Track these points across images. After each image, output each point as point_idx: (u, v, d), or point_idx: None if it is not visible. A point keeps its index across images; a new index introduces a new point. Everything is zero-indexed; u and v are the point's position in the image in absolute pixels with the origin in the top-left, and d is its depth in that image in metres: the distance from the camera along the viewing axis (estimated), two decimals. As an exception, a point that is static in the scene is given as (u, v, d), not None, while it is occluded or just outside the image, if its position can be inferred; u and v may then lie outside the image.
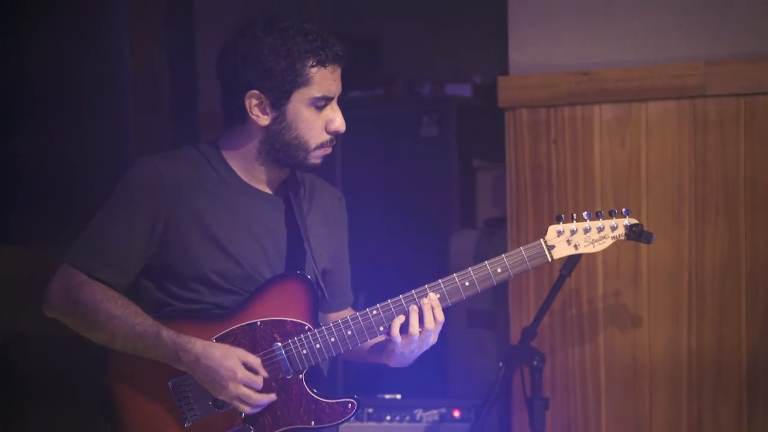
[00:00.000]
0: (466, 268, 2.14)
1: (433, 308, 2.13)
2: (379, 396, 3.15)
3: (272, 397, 2.12)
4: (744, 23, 2.79)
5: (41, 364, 3.57)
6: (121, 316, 2.10)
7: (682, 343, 2.83)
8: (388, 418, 3.07)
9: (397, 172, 4.25)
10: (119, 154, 3.58)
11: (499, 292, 3.07)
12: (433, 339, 2.16)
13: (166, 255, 2.15)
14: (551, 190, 2.97)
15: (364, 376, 3.66)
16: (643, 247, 2.82)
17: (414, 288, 2.14)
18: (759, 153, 2.75)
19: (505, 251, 2.17)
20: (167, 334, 2.09)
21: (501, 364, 2.54)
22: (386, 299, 2.15)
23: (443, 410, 3.06)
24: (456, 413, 3.05)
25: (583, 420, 2.90)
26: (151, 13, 3.70)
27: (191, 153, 2.23)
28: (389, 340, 2.17)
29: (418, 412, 3.07)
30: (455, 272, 2.15)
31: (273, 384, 2.12)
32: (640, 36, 2.91)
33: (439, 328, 2.15)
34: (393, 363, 2.21)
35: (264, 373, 2.11)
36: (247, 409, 2.10)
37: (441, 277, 2.16)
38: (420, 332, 2.12)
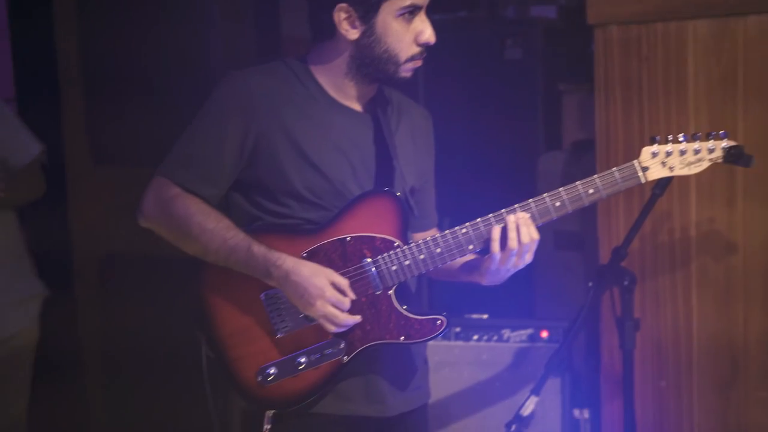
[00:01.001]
0: (556, 189, 2.13)
1: (527, 225, 2.13)
2: (467, 315, 3.15)
3: (357, 318, 2.14)
4: None
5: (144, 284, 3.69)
6: (214, 230, 2.14)
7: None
8: (476, 337, 3.08)
9: (481, 96, 4.19)
10: (205, 62, 3.63)
11: (587, 213, 3.03)
12: (528, 257, 2.16)
13: (256, 169, 2.18)
14: (642, 110, 2.89)
15: (449, 296, 3.67)
16: (739, 168, 2.74)
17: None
18: None
19: (593, 173, 2.15)
20: (258, 249, 2.12)
21: (590, 284, 2.51)
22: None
23: (531, 330, 3.05)
24: (544, 334, 3.04)
25: (673, 341, 2.87)
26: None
27: (280, 68, 2.23)
28: (482, 258, 2.18)
29: (506, 332, 3.07)
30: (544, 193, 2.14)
31: (363, 299, 2.15)
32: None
33: (535, 246, 2.15)
34: (486, 281, 2.22)
35: (351, 295, 2.13)
36: (333, 329, 2.14)
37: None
38: (517, 248, 2.12)
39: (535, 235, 2.14)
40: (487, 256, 2.16)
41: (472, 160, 4.11)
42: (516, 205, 2.16)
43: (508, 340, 3.07)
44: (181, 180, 2.17)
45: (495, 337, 3.08)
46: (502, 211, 2.15)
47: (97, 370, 3.89)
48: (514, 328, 3.07)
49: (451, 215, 3.07)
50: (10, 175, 3.28)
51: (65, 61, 3.85)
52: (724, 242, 2.82)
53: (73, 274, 3.88)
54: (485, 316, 3.12)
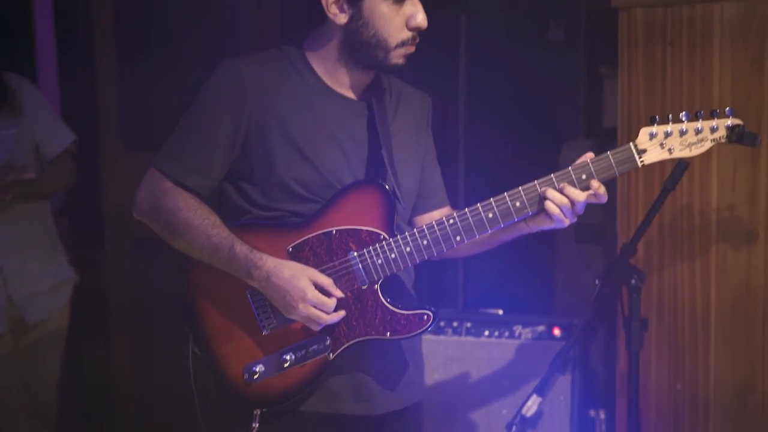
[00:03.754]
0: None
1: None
2: (481, 311, 3.08)
3: (342, 314, 2.10)
4: None
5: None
6: (200, 227, 2.11)
7: (802, 265, 2.61)
8: (486, 333, 3.00)
9: (523, 78, 4.08)
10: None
11: (609, 205, 2.90)
12: (576, 211, 2.09)
13: (248, 159, 2.14)
14: (665, 97, 2.76)
15: (481, 291, 3.62)
16: (762, 160, 2.61)
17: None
18: None
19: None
20: (241, 248, 2.09)
21: (597, 281, 2.41)
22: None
23: (543, 328, 2.96)
24: (556, 331, 2.95)
25: (691, 342, 2.74)
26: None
27: (275, 55, 2.19)
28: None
29: (518, 329, 2.98)
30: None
31: (348, 294, 2.10)
32: None
33: (575, 204, 2.08)
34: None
35: (338, 293, 2.09)
36: (316, 328, 2.09)
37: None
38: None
39: (567, 198, 2.07)
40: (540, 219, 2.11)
41: (512, 143, 4.02)
42: (505, 194, 2.09)
43: (519, 337, 2.98)
44: (172, 172, 2.14)
45: (507, 333, 3.00)
46: (491, 199, 2.09)
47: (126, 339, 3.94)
48: (526, 325, 2.98)
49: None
50: (42, 164, 3.34)
51: (101, 47, 3.90)
52: (745, 237, 2.67)
53: (105, 259, 3.93)
54: (500, 312, 3.04)
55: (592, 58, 3.95)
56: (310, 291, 2.06)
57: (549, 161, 3.71)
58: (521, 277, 2.75)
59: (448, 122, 4.00)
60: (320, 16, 2.13)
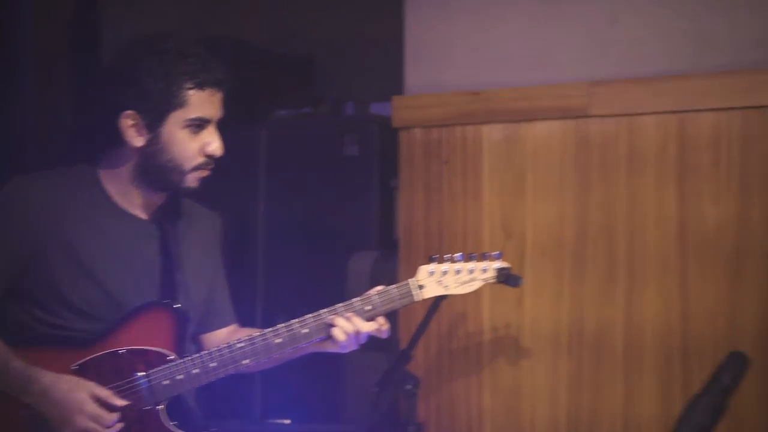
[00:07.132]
0: (349, 299, 2.22)
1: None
2: (270, 421, 3.11)
3: (119, 426, 2.08)
4: (628, 44, 2.77)
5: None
6: None
7: (562, 367, 2.78)
8: (272, 443, 3.03)
9: (320, 192, 4.21)
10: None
11: (392, 314, 3.02)
12: (359, 340, 2.23)
13: (32, 279, 2.13)
14: (442, 212, 2.94)
15: (280, 400, 3.62)
16: (527, 267, 2.78)
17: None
18: (639, 173, 2.70)
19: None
20: (17, 364, 2.06)
21: (375, 388, 2.50)
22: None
23: (330, 437, 3.03)
24: (344, 439, 3.01)
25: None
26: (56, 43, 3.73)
27: (66, 174, 2.21)
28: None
29: (304, 438, 3.03)
30: (353, 295, 2.22)
31: (132, 414, 2.08)
32: (529, 56, 2.89)
33: (360, 333, 2.21)
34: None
35: (117, 404, 2.07)
36: None
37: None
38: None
39: (353, 327, 2.21)
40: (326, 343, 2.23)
41: (310, 254, 4.10)
42: (292, 322, 2.19)
43: (305, 445, 3.03)
44: None
45: (292, 443, 3.04)
46: (280, 325, 2.19)
47: None
48: (313, 433, 3.03)
49: (289, 311, 3.04)
50: None
51: None
52: (513, 343, 2.84)
53: None
54: (287, 421, 3.08)
55: (384, 171, 4.13)
56: (87, 404, 2.04)
57: (342, 272, 3.83)
58: (313, 385, 2.80)
59: (246, 236, 4.06)
60: (115, 138, 2.17)
